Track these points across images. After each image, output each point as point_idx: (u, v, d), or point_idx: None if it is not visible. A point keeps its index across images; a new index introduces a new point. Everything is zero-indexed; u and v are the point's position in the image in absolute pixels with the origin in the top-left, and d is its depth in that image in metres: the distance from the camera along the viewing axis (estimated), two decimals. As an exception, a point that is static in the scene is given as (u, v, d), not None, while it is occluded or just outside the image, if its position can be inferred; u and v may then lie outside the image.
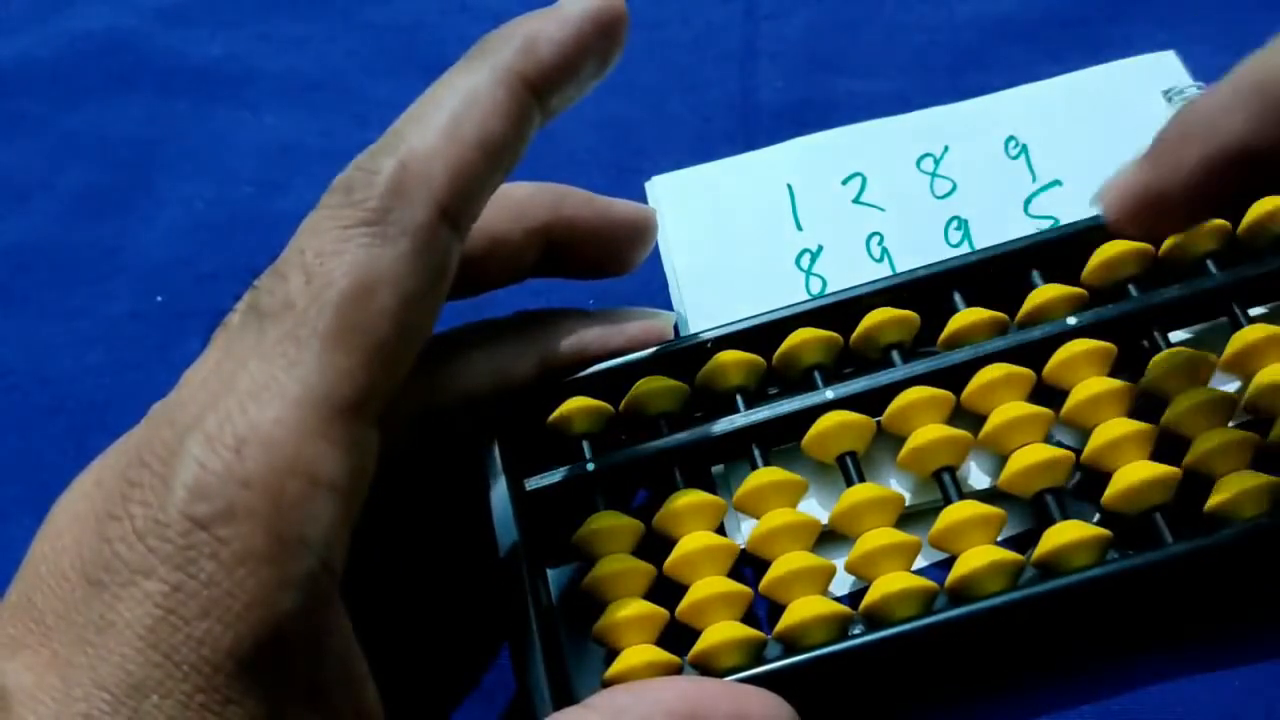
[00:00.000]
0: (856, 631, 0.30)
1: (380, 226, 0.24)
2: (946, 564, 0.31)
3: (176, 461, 0.23)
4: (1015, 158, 0.41)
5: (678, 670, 0.30)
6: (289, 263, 0.24)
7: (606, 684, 0.30)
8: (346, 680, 0.24)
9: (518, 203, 0.32)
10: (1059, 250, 0.34)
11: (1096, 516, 0.31)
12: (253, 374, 0.23)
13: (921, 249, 0.39)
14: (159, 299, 0.43)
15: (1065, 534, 0.29)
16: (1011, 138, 0.41)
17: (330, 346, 0.23)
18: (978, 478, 0.33)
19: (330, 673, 0.24)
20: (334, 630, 0.24)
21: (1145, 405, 0.32)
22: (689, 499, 0.32)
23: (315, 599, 0.23)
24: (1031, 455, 0.31)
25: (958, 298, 0.35)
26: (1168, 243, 0.34)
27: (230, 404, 0.23)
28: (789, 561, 0.31)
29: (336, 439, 0.23)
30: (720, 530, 0.33)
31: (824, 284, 0.39)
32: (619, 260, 0.34)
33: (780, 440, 0.34)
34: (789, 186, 0.42)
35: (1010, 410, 0.32)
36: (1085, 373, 0.32)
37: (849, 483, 0.32)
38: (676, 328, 0.36)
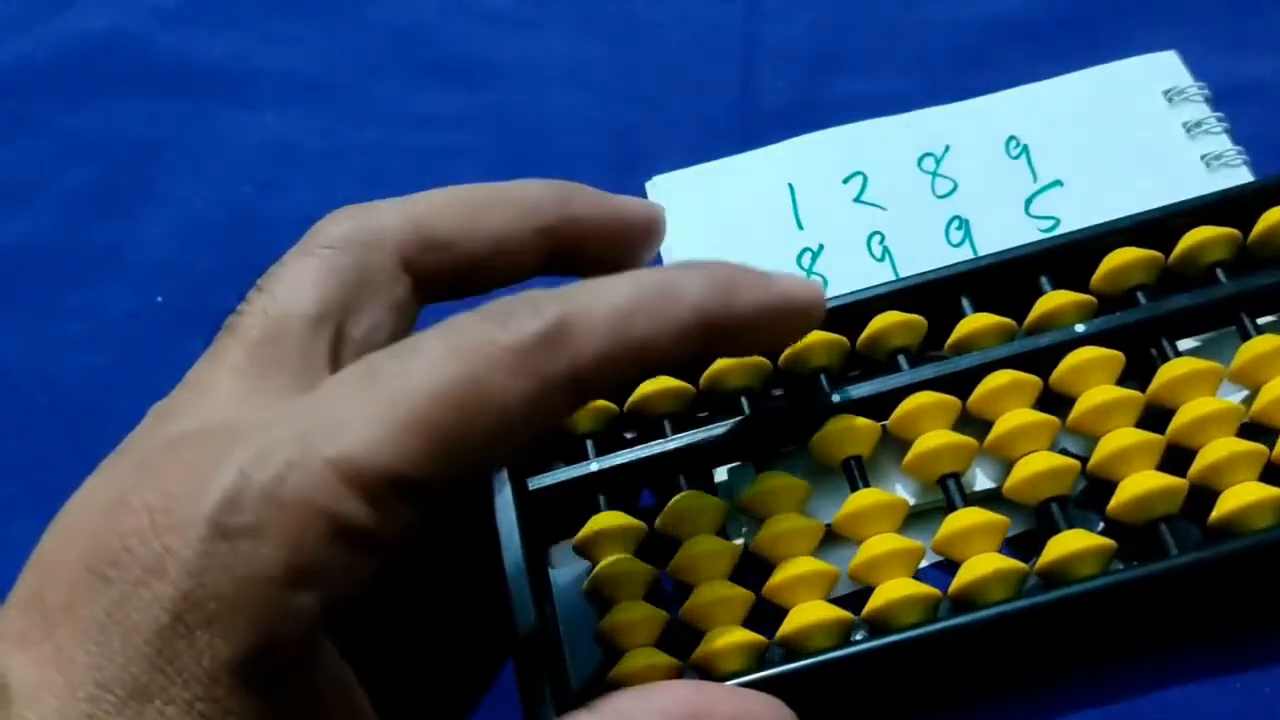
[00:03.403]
0: (859, 637, 0.30)
1: (516, 360, 0.24)
2: (950, 566, 0.31)
3: (216, 468, 0.23)
4: (1016, 157, 0.41)
5: (679, 673, 0.30)
6: (423, 339, 0.25)
7: (608, 686, 0.30)
8: (341, 695, 0.24)
9: (525, 201, 0.32)
10: (1068, 256, 0.34)
11: (1101, 526, 0.31)
12: (334, 413, 0.23)
13: (922, 248, 0.39)
14: (159, 299, 0.43)
15: (1070, 543, 0.30)
16: (1012, 138, 0.41)
17: (411, 427, 0.23)
18: (982, 484, 0.33)
19: (326, 691, 0.24)
20: (327, 652, 0.24)
21: (1152, 414, 0.32)
22: (692, 501, 0.32)
23: (313, 630, 0.23)
24: (1037, 463, 0.31)
25: (965, 303, 0.35)
26: (1177, 250, 0.34)
27: (297, 426, 0.23)
28: (792, 566, 0.31)
29: (379, 504, 0.23)
30: (723, 533, 0.33)
31: (825, 283, 0.39)
32: (627, 259, 0.33)
33: (785, 443, 0.34)
34: (790, 186, 0.42)
35: (1017, 417, 0.32)
36: (1093, 381, 0.32)
37: (853, 487, 0.32)
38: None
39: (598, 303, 0.25)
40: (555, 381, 0.25)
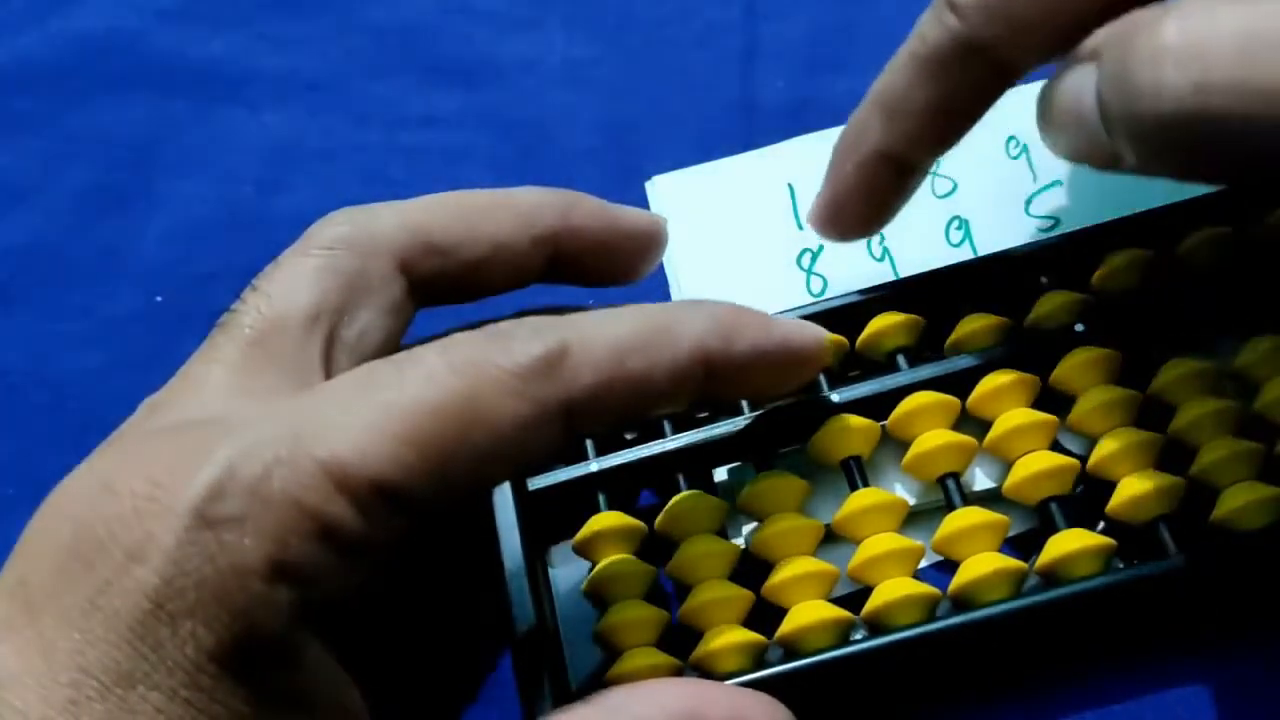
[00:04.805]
0: (858, 637, 0.30)
1: (514, 382, 0.24)
2: (950, 566, 0.31)
3: (204, 458, 0.23)
4: (1016, 157, 0.41)
5: (678, 672, 0.30)
6: (424, 353, 0.25)
7: (607, 685, 0.30)
8: (329, 693, 0.24)
9: (526, 209, 0.32)
10: (1068, 256, 0.34)
11: (1101, 525, 0.31)
12: (328, 416, 0.24)
13: (922, 248, 0.39)
14: (159, 299, 0.43)
15: (1069, 542, 0.29)
16: (1012, 137, 0.41)
17: (405, 437, 0.23)
18: (982, 483, 0.33)
19: (312, 687, 0.24)
20: (313, 649, 0.24)
21: (1152, 414, 0.32)
22: (692, 501, 0.32)
23: (296, 623, 0.23)
24: (1036, 462, 0.31)
25: (965, 303, 0.35)
26: (1177, 250, 0.34)
27: (291, 424, 0.23)
28: (791, 565, 0.31)
29: (365, 510, 0.23)
30: (722, 533, 0.33)
31: (825, 283, 0.39)
32: (627, 270, 0.33)
33: (784, 443, 0.34)
34: (789, 186, 0.42)
35: (1016, 417, 0.32)
36: (1092, 380, 0.32)
37: (853, 487, 0.32)
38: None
39: (598, 335, 0.25)
40: (550, 407, 0.25)
